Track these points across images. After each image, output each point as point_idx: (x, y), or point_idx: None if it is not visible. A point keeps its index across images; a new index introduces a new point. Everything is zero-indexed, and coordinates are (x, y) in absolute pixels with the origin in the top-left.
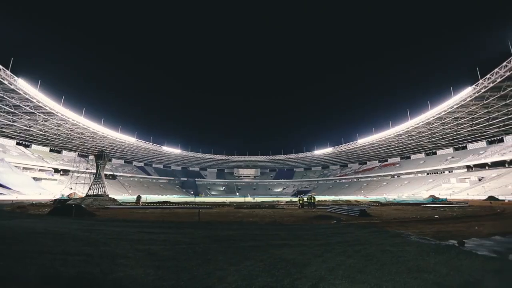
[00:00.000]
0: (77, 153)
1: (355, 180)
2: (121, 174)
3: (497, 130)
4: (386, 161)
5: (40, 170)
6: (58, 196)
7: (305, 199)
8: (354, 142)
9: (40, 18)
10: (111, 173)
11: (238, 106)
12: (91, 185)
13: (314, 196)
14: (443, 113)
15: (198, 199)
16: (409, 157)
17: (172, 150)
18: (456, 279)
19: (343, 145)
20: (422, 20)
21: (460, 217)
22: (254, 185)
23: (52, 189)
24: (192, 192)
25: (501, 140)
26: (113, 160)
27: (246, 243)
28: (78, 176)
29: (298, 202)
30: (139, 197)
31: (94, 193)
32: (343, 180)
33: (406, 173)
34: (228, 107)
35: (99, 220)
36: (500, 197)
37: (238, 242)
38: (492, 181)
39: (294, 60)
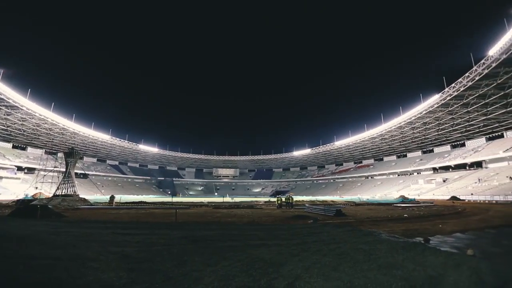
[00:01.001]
0: (44, 150)
1: (331, 180)
2: (94, 173)
3: (460, 135)
4: (361, 162)
5: (0, 168)
6: (21, 196)
7: (283, 199)
8: (331, 143)
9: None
10: (82, 171)
11: (218, 107)
12: (59, 185)
13: (292, 196)
14: (413, 118)
15: (175, 199)
16: (382, 159)
17: (149, 149)
18: (421, 274)
19: (320, 146)
20: (398, 27)
21: (426, 216)
22: (233, 185)
23: (14, 189)
24: (169, 192)
25: (463, 145)
26: (85, 158)
27: (224, 243)
28: (45, 175)
29: (276, 202)
30: (112, 197)
31: (63, 193)
32: (320, 181)
33: (379, 174)
34: (208, 107)
35: (68, 222)
36: (462, 197)
37: (216, 243)
38: (455, 182)
39: (275, 63)
